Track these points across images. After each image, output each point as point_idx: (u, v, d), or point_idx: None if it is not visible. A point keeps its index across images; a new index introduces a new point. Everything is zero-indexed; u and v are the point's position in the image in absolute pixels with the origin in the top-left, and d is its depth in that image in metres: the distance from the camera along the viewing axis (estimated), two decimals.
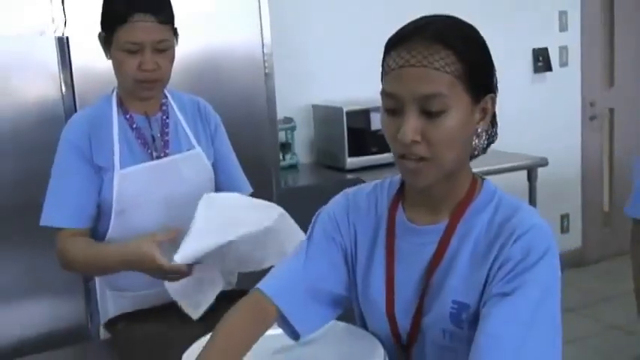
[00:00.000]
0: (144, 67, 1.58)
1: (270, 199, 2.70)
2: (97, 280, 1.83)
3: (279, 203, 2.77)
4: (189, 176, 1.70)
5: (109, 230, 1.66)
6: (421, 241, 1.12)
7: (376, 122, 3.40)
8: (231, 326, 1.11)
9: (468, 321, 1.05)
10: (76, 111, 2.37)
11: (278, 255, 1.49)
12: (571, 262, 4.51)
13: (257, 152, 2.77)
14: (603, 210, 4.76)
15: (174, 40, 1.65)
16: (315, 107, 3.57)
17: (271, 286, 1.16)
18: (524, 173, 3.44)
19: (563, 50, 4.42)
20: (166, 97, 1.75)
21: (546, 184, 3.94)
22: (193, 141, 1.74)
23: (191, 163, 1.72)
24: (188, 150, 1.72)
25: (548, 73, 4.33)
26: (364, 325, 1.22)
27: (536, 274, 1.02)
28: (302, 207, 2.92)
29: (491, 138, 1.13)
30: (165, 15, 1.59)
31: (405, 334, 1.14)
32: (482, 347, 0.97)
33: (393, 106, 1.02)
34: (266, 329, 1.14)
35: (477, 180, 1.14)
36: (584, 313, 3.89)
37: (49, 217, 1.65)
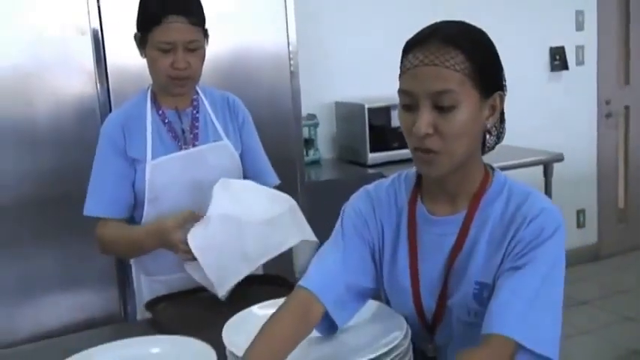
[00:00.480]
0: (176, 65, 1.68)
1: (295, 193, 2.87)
2: (133, 266, 1.94)
3: (304, 197, 2.91)
4: (216, 165, 1.79)
5: (143, 217, 1.77)
6: (442, 232, 1.20)
7: (397, 119, 3.47)
8: (277, 325, 1.13)
9: (490, 298, 1.12)
10: (110, 107, 2.50)
11: (280, 246, 1.63)
12: (587, 256, 4.58)
13: (282, 148, 2.86)
14: (618, 206, 4.82)
15: (205, 41, 1.75)
16: (337, 104, 3.67)
17: (316, 283, 1.18)
18: (540, 168, 3.52)
19: (580, 49, 4.48)
20: (197, 93, 1.86)
21: (563, 180, 4.02)
22: (222, 133, 1.83)
23: (218, 153, 1.81)
24: (215, 141, 1.82)
25: (564, 72, 4.40)
26: None
27: (545, 250, 1.10)
28: (325, 200, 3.04)
29: (500, 135, 1.21)
30: (196, 17, 1.69)
31: (430, 316, 1.22)
32: (492, 314, 1.06)
33: (409, 102, 1.11)
34: (311, 329, 1.17)
35: (488, 172, 1.22)
36: (600, 305, 3.96)
37: (89, 208, 1.78)
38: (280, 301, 1.20)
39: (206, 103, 1.86)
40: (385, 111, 3.47)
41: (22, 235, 2.47)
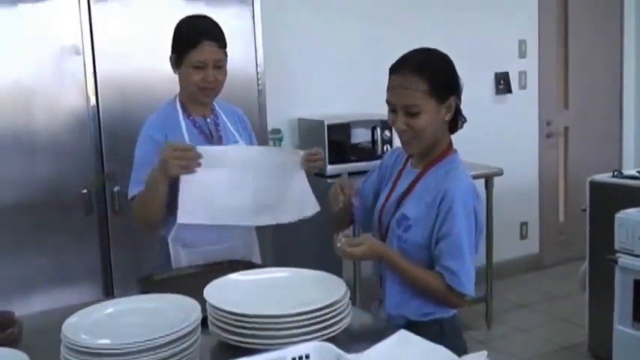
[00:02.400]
0: (207, 80, 2.11)
1: None
2: (170, 241, 2.13)
3: None
4: None
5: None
6: (410, 178, 1.84)
7: (356, 135, 3.87)
8: None
9: (404, 226, 1.78)
10: (99, 119, 2.80)
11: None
12: (530, 265, 4.99)
13: None
14: (559, 220, 5.24)
15: (226, 60, 2.18)
16: (300, 120, 4.01)
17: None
18: (482, 182, 3.91)
19: (523, 74, 4.92)
20: (214, 105, 2.25)
21: (506, 195, 4.41)
22: (237, 137, 2.24)
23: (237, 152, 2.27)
24: (235, 143, 2.22)
25: (508, 95, 4.81)
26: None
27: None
28: None
29: (464, 120, 1.83)
30: (223, 42, 2.15)
31: (384, 229, 1.85)
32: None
33: (392, 108, 1.76)
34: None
35: (450, 150, 1.84)
36: (538, 308, 4.36)
37: (130, 192, 2.12)
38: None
39: (221, 112, 2.26)
40: (345, 127, 3.83)
41: (19, 236, 2.73)
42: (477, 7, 4.64)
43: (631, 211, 2.76)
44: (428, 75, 1.70)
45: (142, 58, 2.90)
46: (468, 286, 1.72)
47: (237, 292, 1.56)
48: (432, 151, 1.81)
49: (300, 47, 4.04)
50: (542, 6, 4.95)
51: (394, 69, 1.76)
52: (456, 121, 1.82)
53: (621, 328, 2.74)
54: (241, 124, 2.32)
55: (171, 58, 2.16)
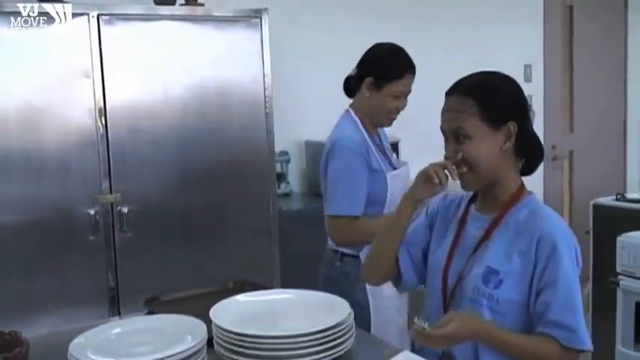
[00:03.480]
0: (398, 108, 2.28)
1: (268, 222, 3.22)
2: (362, 254, 2.23)
3: (276, 225, 3.25)
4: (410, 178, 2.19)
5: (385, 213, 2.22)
6: (479, 225, 1.58)
7: None
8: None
9: (494, 282, 1.48)
10: (107, 140, 2.85)
11: None
12: None
13: (257, 181, 3.25)
14: None
15: None
16: (307, 143, 4.06)
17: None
18: None
19: (528, 98, 4.93)
20: None
21: None
22: (391, 153, 2.42)
23: (407, 170, 2.38)
24: (396, 160, 2.41)
25: None
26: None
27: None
28: (295, 228, 3.43)
29: (540, 156, 1.60)
30: (415, 73, 2.27)
31: (449, 292, 1.56)
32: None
33: (445, 137, 1.57)
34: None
35: (522, 190, 1.58)
36: None
37: (340, 208, 2.21)
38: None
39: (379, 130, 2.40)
40: None
41: (27, 256, 2.77)
42: (484, 32, 4.69)
43: (633, 234, 2.78)
44: (480, 96, 1.51)
45: (151, 81, 2.97)
46: (587, 342, 1.43)
47: (242, 313, 1.59)
48: (501, 192, 1.56)
49: (308, 70, 4.09)
50: (548, 31, 5.00)
51: (448, 92, 1.59)
52: (531, 157, 1.59)
53: (623, 349, 2.75)
54: (386, 140, 2.45)
55: (369, 82, 2.30)
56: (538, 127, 4.96)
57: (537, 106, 5.00)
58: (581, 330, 1.43)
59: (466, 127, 1.50)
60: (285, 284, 2.97)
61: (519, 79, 5.09)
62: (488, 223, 1.56)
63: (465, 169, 1.52)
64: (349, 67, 4.28)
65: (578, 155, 5.24)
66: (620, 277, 2.78)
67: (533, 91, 4.97)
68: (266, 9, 3.19)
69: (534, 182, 5.30)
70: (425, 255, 1.70)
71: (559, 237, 1.45)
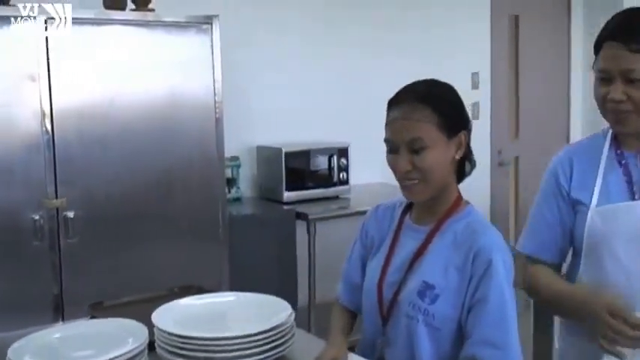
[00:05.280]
0: (609, 97, 1.53)
1: (217, 226, 3.23)
2: (557, 324, 1.87)
3: (225, 230, 3.27)
4: None
5: (580, 269, 1.63)
6: (415, 237, 1.53)
7: (314, 162, 3.96)
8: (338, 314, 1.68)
9: (430, 297, 1.45)
10: (53, 144, 2.82)
11: None
12: None
13: (207, 186, 3.26)
14: (510, 245, 5.37)
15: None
16: (258, 148, 4.08)
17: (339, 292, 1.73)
18: None
19: (475, 105, 5.08)
20: None
21: None
22: None
23: None
24: None
25: None
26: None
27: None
28: (245, 232, 3.45)
29: (473, 164, 1.57)
30: (637, 43, 1.48)
31: (386, 308, 1.52)
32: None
33: (392, 147, 1.48)
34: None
35: (460, 201, 1.54)
36: None
37: (520, 243, 1.76)
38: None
39: None
40: (303, 154, 3.92)
41: None
42: (433, 40, 4.79)
43: None
44: (436, 104, 1.45)
45: (100, 86, 2.95)
46: None
47: (184, 316, 1.61)
48: (441, 202, 1.51)
49: (260, 75, 4.10)
50: (494, 39, 5.14)
51: (395, 101, 1.50)
52: (462, 166, 1.54)
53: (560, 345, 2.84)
54: None
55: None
56: (485, 133, 5.13)
57: (484, 112, 5.13)
58: (510, 348, 1.40)
59: (424, 137, 1.43)
60: (235, 288, 2.98)
61: (467, 86, 5.28)
62: (425, 235, 1.52)
63: (416, 180, 1.46)
64: (301, 73, 4.36)
65: (523, 160, 5.38)
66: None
67: (481, 98, 5.10)
68: (217, 15, 3.20)
69: (481, 187, 5.47)
70: None
71: (495, 253, 1.42)
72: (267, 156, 4.01)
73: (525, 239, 1.74)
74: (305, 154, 3.93)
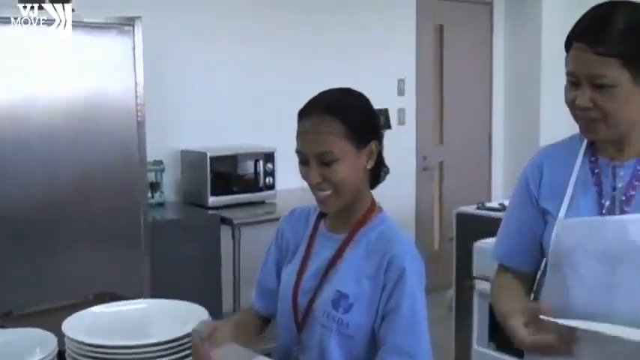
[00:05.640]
0: (576, 103, 1.37)
1: (138, 232, 3.18)
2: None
3: (147, 235, 3.22)
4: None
5: (544, 283, 1.52)
6: (330, 245, 1.51)
7: (240, 167, 3.94)
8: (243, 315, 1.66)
9: (344, 306, 1.44)
10: None
11: None
12: None
13: (128, 191, 3.21)
14: (434, 248, 5.51)
15: (626, 77, 1.32)
16: (183, 152, 4.03)
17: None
18: None
19: (401, 111, 5.18)
20: None
21: None
22: None
23: None
24: None
25: (388, 131, 5.03)
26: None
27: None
28: (168, 238, 3.40)
29: (386, 170, 1.55)
30: (605, 46, 1.31)
31: (301, 314, 1.50)
32: None
33: (303, 159, 1.45)
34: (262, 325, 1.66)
35: (374, 207, 1.53)
36: None
37: (493, 250, 1.65)
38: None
39: None
40: (228, 159, 3.90)
41: None
42: (361, 47, 4.86)
43: (488, 241, 2.96)
44: (344, 116, 1.42)
45: (16, 86, 2.87)
46: None
47: (95, 324, 1.58)
48: (355, 210, 1.50)
49: (185, 78, 4.07)
50: (420, 48, 5.25)
51: (303, 112, 1.46)
52: (377, 173, 1.53)
53: (478, 348, 2.94)
54: None
55: None
56: (410, 139, 5.23)
57: (410, 119, 5.24)
58: (422, 356, 1.41)
59: (334, 151, 1.41)
60: (157, 295, 2.94)
61: (393, 93, 5.36)
62: (339, 244, 1.51)
63: (328, 192, 1.44)
64: (227, 76, 4.33)
65: (447, 166, 5.51)
66: (476, 280, 2.96)
67: (406, 104, 5.20)
68: (139, 17, 3.16)
69: (407, 192, 5.57)
70: None
71: (409, 262, 1.42)
72: (191, 160, 3.97)
73: (497, 246, 1.63)
74: (231, 159, 3.92)
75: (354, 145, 1.43)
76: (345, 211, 1.50)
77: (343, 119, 1.42)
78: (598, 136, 1.40)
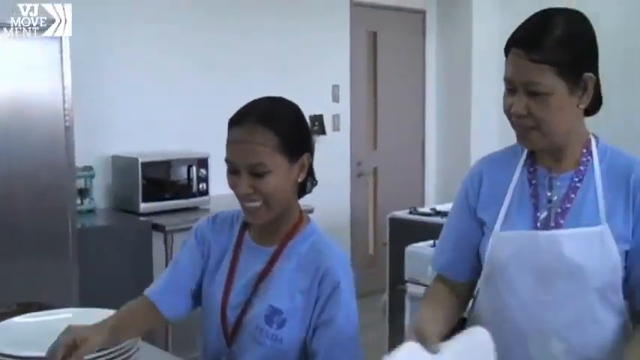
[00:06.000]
0: (512, 110, 1.36)
1: (66, 239, 3.10)
2: None
3: (75, 243, 3.13)
4: (573, 253, 1.36)
5: (479, 296, 1.53)
6: (258, 259, 1.47)
7: (173, 173, 3.89)
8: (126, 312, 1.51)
9: (277, 322, 1.41)
10: None
11: None
12: None
13: (56, 197, 3.12)
14: (369, 252, 5.57)
15: (561, 86, 1.31)
16: (114, 157, 3.95)
17: (152, 290, 1.55)
18: None
19: (336, 117, 5.22)
20: (590, 154, 1.42)
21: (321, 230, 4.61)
22: (602, 217, 1.37)
23: (580, 240, 1.37)
24: (589, 225, 1.37)
25: (322, 136, 5.07)
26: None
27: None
28: (98, 246, 3.32)
29: (314, 182, 1.52)
30: (540, 53, 1.30)
31: (230, 328, 1.46)
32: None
33: (234, 169, 1.39)
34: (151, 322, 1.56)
35: (303, 218, 1.50)
36: None
37: (434, 260, 1.61)
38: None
39: (597, 170, 1.41)
40: (161, 165, 3.85)
41: None
42: (295, 53, 4.88)
43: (419, 245, 3.02)
44: (277, 127, 1.38)
45: None
46: None
47: (18, 335, 1.53)
48: (283, 222, 1.47)
49: (115, 82, 3.99)
50: (354, 54, 5.31)
51: (235, 121, 1.41)
52: (305, 183, 1.50)
53: None
54: (627, 189, 1.39)
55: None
56: (345, 145, 5.27)
57: (344, 125, 5.28)
58: None
59: (266, 162, 1.37)
60: (86, 304, 2.86)
61: (328, 99, 5.39)
62: (268, 256, 1.47)
63: (258, 203, 1.40)
64: (159, 81, 4.27)
65: (381, 171, 5.58)
66: (408, 284, 3.01)
67: (341, 110, 5.25)
68: (67, 20, 3.08)
69: (342, 197, 5.59)
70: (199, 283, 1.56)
71: (343, 275, 1.42)
72: (122, 166, 3.89)
73: (436, 257, 1.60)
74: (163, 165, 3.86)
75: (286, 158, 1.40)
76: (274, 224, 1.47)
77: (276, 131, 1.38)
78: (532, 144, 1.39)
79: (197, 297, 1.56)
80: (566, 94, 1.31)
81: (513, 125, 1.38)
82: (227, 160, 1.42)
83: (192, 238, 1.57)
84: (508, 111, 1.36)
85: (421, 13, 5.79)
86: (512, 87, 1.35)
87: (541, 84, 1.29)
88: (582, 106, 1.35)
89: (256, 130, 1.37)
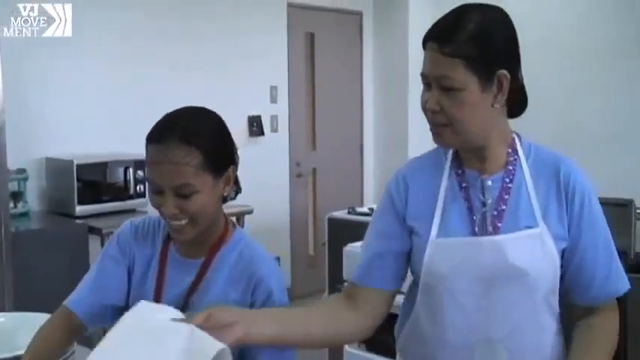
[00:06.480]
0: (426, 106, 1.33)
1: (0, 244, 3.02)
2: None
3: (9, 247, 3.06)
4: (517, 259, 1.34)
5: (416, 305, 1.45)
6: (186, 271, 1.43)
7: (109, 175, 3.84)
8: (45, 335, 1.45)
9: None
10: None
11: None
12: None
13: None
14: (309, 253, 5.61)
15: (473, 82, 1.28)
16: (48, 160, 3.86)
17: (73, 301, 1.49)
18: (234, 219, 4.07)
19: (274, 118, 5.24)
20: (516, 152, 1.40)
21: (259, 231, 4.60)
22: (538, 217, 1.36)
23: (523, 245, 1.35)
24: (527, 228, 1.35)
25: (261, 137, 5.08)
26: None
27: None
28: (33, 249, 3.25)
29: (238, 190, 1.49)
30: (451, 46, 1.28)
31: None
32: None
33: (157, 189, 1.34)
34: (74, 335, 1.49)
35: (228, 228, 1.46)
36: None
37: (351, 271, 1.53)
38: None
39: (525, 169, 1.39)
40: (96, 167, 3.79)
41: None
42: (232, 55, 4.87)
43: (357, 244, 3.06)
44: (201, 144, 1.32)
45: None
46: None
47: None
48: (210, 234, 1.44)
49: (48, 84, 3.91)
50: (292, 55, 5.34)
51: (154, 138, 1.34)
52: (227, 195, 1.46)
53: (350, 350, 3.02)
54: (559, 189, 1.38)
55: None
56: (284, 146, 5.30)
57: (283, 126, 5.30)
58: None
59: (193, 183, 1.32)
60: (21, 308, 2.81)
61: (266, 100, 5.40)
62: (197, 269, 1.44)
63: (184, 222, 1.36)
64: (95, 83, 4.20)
65: (320, 172, 5.63)
66: (346, 284, 3.04)
67: (279, 111, 5.27)
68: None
69: (281, 198, 5.62)
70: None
71: (275, 282, 1.41)
72: (57, 168, 3.81)
73: (357, 266, 1.48)
74: (99, 167, 3.81)
75: (212, 175, 1.36)
76: (200, 237, 1.42)
77: (200, 148, 1.33)
78: (445, 142, 1.35)
79: (121, 312, 1.47)
80: (478, 91, 1.27)
81: (429, 122, 1.34)
82: (149, 181, 1.37)
83: (115, 248, 1.51)
84: (424, 107, 1.33)
85: (358, 15, 5.87)
86: (427, 82, 1.32)
87: (452, 78, 1.26)
88: (497, 105, 1.30)
89: (179, 148, 1.31)
